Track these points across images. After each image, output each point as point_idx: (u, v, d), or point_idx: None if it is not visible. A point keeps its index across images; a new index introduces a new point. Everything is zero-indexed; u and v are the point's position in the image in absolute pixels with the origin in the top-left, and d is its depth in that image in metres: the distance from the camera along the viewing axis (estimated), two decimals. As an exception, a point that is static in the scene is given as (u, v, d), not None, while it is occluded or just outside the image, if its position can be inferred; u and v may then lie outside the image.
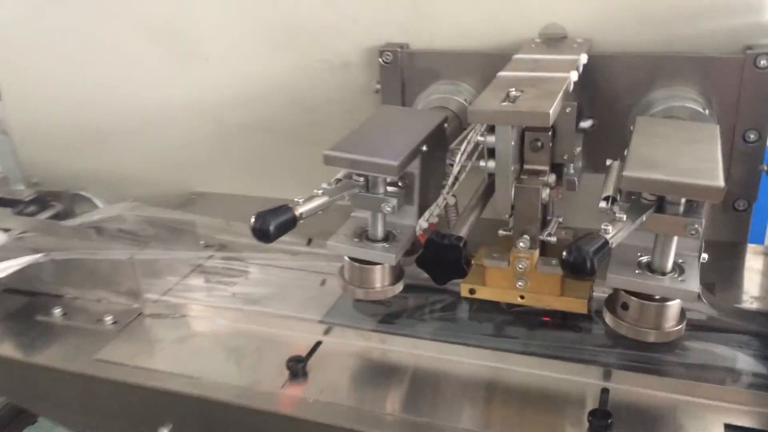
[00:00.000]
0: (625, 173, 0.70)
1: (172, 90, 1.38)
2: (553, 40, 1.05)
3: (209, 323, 0.97)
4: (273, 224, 0.74)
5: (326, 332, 0.93)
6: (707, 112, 0.96)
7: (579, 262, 0.64)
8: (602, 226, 0.67)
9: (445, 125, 0.93)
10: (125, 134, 1.46)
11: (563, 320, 0.90)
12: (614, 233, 0.67)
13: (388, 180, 0.83)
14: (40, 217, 1.34)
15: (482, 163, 0.81)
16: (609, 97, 1.04)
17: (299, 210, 0.77)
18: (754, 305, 0.95)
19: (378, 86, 1.18)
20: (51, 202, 1.41)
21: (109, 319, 0.98)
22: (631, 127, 0.86)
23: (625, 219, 0.69)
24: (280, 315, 0.96)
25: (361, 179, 0.84)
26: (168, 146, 1.44)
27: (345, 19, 1.20)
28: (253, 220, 0.74)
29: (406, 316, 0.94)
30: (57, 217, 1.35)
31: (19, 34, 1.45)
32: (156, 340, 0.95)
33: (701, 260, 0.78)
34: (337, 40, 1.22)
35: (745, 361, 0.83)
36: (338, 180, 0.87)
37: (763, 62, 0.96)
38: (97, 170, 1.48)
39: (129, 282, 1.01)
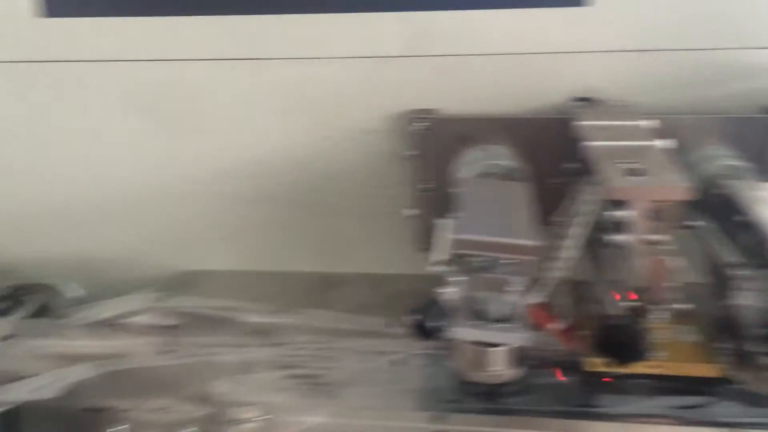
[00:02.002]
0: None
1: (162, 165, 1.28)
2: (594, 103, 1.09)
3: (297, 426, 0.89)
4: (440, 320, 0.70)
5: (437, 421, 0.88)
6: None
7: None
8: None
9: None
10: (101, 215, 1.33)
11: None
12: None
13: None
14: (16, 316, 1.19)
15: (607, 237, 0.82)
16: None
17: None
18: None
19: (408, 153, 1.17)
20: (22, 297, 1.26)
21: (188, 430, 0.87)
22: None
23: None
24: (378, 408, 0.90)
25: (481, 259, 0.82)
26: (154, 224, 1.33)
27: (366, 85, 1.18)
28: (412, 317, 0.70)
29: (514, 388, 0.91)
30: (37, 314, 1.21)
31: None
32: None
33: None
34: (358, 107, 1.20)
35: None
36: (447, 261, 0.84)
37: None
38: (75, 257, 1.33)
39: (197, 386, 0.91)
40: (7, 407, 0.94)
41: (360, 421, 0.89)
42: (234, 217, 1.30)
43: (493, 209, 0.85)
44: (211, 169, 1.27)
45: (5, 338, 1.10)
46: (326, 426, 0.89)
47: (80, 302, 1.23)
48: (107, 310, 1.10)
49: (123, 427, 0.89)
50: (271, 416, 0.90)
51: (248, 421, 0.90)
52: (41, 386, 0.94)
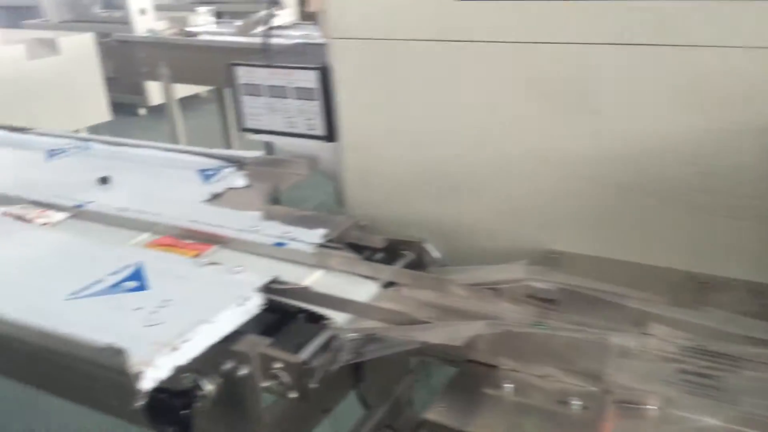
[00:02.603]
0: None
1: (546, 143, 1.30)
2: None
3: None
4: None
5: None
6: None
7: None
8: None
9: None
10: (479, 186, 1.40)
11: None
12: None
13: None
14: (395, 266, 1.30)
15: None
16: None
17: None
18: None
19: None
20: (398, 250, 1.37)
21: (576, 402, 0.90)
22: None
23: None
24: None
25: None
26: (523, 200, 1.36)
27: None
28: None
29: None
30: (409, 268, 1.31)
31: (373, 80, 1.44)
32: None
33: None
34: (761, 103, 1.10)
35: None
36: None
37: None
38: (436, 220, 1.43)
39: (590, 362, 0.93)
40: (402, 348, 1.04)
41: (761, 434, 0.83)
42: (603, 203, 1.28)
43: None
44: (589, 153, 1.27)
45: (387, 285, 1.22)
46: (720, 431, 0.85)
47: (438, 264, 1.30)
48: (487, 274, 1.16)
49: (511, 386, 0.94)
50: (659, 407, 0.88)
51: (637, 408, 0.89)
52: (435, 333, 1.02)
